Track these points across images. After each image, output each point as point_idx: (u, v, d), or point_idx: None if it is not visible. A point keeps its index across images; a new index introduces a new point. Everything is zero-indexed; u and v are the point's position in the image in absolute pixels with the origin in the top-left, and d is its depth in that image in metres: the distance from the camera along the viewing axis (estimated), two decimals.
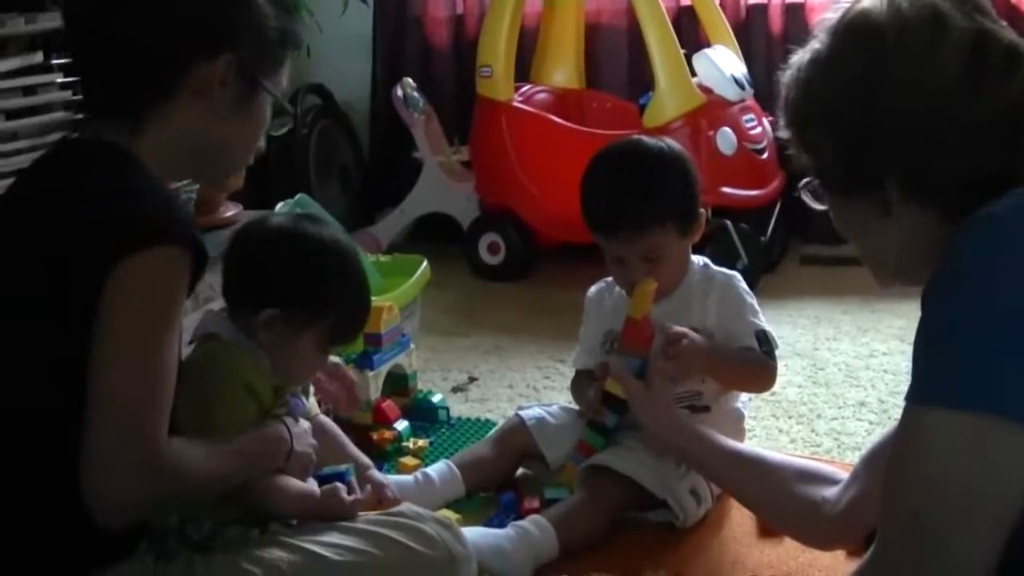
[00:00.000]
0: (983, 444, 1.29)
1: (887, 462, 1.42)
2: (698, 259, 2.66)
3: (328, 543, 1.92)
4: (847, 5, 1.53)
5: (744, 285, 2.63)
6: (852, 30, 1.51)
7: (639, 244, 2.50)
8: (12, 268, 1.76)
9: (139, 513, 1.74)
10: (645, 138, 2.68)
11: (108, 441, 1.62)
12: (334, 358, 2.44)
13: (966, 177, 1.43)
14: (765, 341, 2.52)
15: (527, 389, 3.46)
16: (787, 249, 4.75)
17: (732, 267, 3.99)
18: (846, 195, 1.57)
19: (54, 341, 1.71)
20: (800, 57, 1.59)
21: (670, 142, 2.67)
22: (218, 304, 2.19)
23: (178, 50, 1.84)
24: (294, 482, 2.03)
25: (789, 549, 2.36)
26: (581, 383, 2.70)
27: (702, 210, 2.61)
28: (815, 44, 1.57)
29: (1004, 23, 1.48)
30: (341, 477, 2.12)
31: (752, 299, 2.61)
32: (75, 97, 3.27)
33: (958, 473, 1.31)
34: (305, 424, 2.15)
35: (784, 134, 1.64)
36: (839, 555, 2.28)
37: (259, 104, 1.95)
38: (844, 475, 2.05)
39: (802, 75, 1.57)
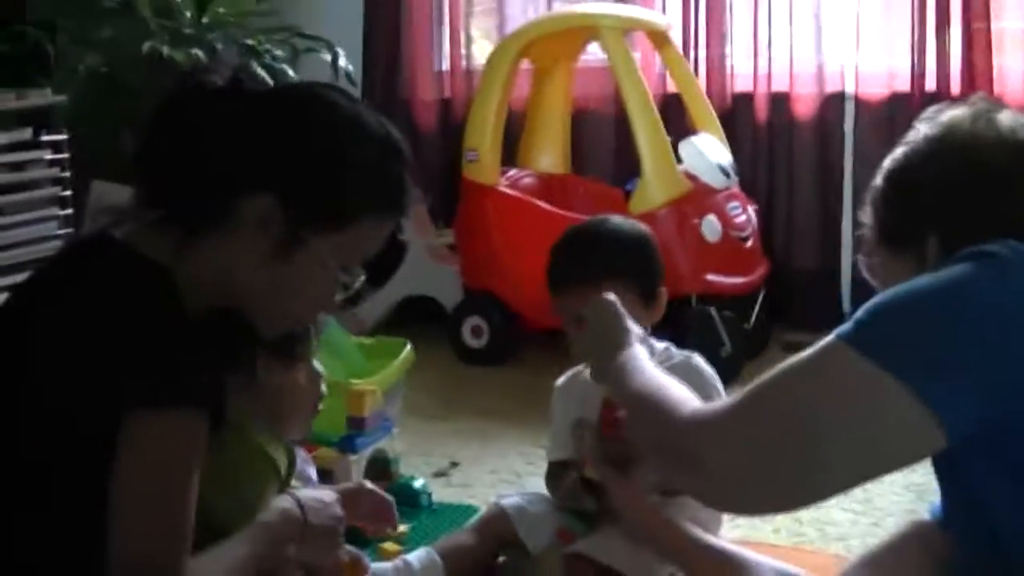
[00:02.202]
0: (885, 400, 1.45)
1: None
2: (662, 343, 2.65)
3: None
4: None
5: (704, 364, 2.62)
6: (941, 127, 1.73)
7: (592, 295, 2.48)
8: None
9: None
10: (610, 216, 2.77)
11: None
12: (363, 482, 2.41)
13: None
14: None
15: (510, 475, 3.44)
16: (770, 336, 4.74)
17: (716, 354, 4.07)
18: (894, 251, 1.73)
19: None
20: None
21: (633, 221, 2.78)
22: None
23: (220, 182, 1.74)
24: None
25: None
26: (555, 474, 2.68)
27: (663, 289, 2.63)
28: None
29: None
30: None
31: (712, 378, 2.59)
32: (63, 174, 3.27)
33: (844, 408, 1.48)
34: (327, 494, 2.13)
35: (871, 196, 1.79)
36: None
37: (303, 260, 1.76)
38: None
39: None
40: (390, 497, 2.46)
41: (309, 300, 1.85)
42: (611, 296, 2.20)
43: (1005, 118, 1.68)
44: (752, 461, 1.53)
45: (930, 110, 1.76)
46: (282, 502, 2.02)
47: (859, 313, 1.52)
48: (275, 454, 2.08)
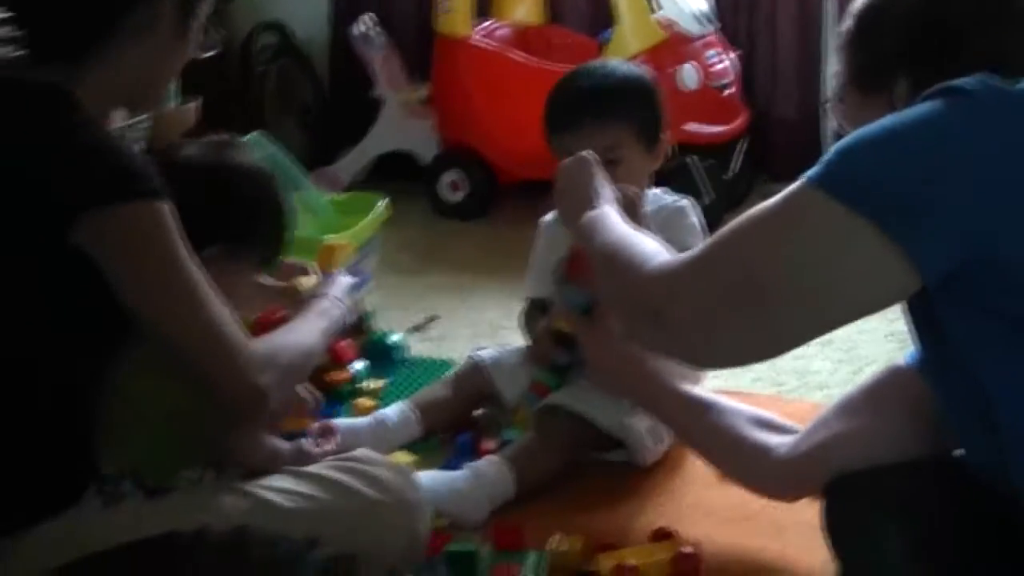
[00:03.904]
0: (855, 241, 1.44)
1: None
2: (654, 191, 2.62)
3: (279, 488, 1.88)
4: None
5: (692, 214, 2.61)
6: None
7: (601, 136, 2.47)
8: None
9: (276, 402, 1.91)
10: (612, 59, 2.69)
11: (220, 379, 1.80)
12: None
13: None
14: None
15: (487, 328, 3.42)
16: (752, 185, 4.70)
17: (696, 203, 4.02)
18: (865, 94, 1.71)
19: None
20: None
21: (637, 65, 2.75)
22: None
23: None
24: (268, 439, 2.00)
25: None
26: (532, 313, 2.66)
27: (665, 135, 2.61)
28: None
29: None
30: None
31: (696, 225, 2.58)
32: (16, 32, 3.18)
33: (810, 251, 1.47)
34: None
35: (840, 41, 1.77)
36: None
37: (194, 32, 1.93)
38: (799, 427, 2.00)
39: None
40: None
41: (184, 56, 1.96)
42: (589, 153, 2.17)
43: None
44: (712, 310, 1.53)
45: None
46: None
47: (828, 154, 1.50)
48: None
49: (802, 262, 1.48)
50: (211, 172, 2.10)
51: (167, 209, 1.74)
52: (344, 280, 2.38)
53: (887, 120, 1.51)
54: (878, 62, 1.69)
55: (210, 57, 3.02)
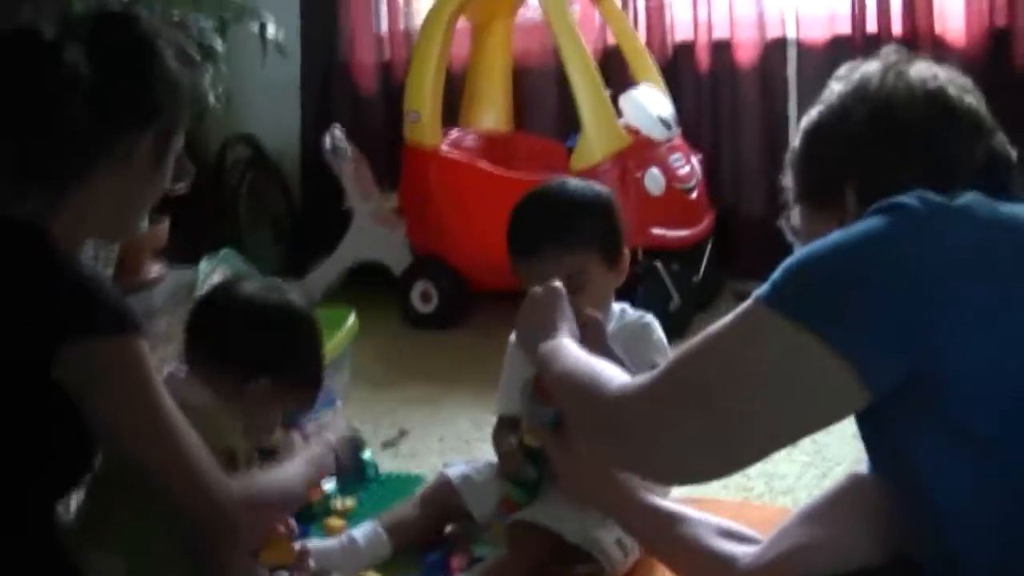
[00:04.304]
0: (802, 357, 1.47)
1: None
2: (617, 305, 2.65)
3: None
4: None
5: (657, 329, 2.64)
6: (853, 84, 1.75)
7: (566, 263, 2.50)
8: None
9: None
10: (571, 178, 2.78)
11: (193, 509, 1.84)
12: None
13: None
14: None
15: (458, 442, 3.42)
16: (721, 287, 4.73)
17: (664, 308, 4.06)
18: (817, 208, 1.76)
19: None
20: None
21: (595, 184, 2.77)
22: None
23: (107, 128, 1.86)
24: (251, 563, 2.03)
25: None
26: (502, 431, 2.67)
27: (627, 251, 2.63)
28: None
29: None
30: None
31: (662, 340, 2.62)
32: None
33: (764, 368, 1.50)
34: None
35: (790, 157, 1.82)
36: None
37: (167, 164, 1.99)
38: (764, 537, 2.01)
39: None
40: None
41: (160, 188, 2.02)
42: (558, 284, 2.21)
43: (916, 70, 1.71)
44: (671, 428, 1.56)
45: (843, 68, 1.78)
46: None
47: (775, 273, 1.54)
48: (232, 440, 2.11)
49: (754, 379, 1.52)
50: (278, 311, 2.24)
51: (144, 344, 1.79)
52: (342, 424, 2.58)
53: (831, 237, 1.55)
54: (826, 178, 1.73)
55: (191, 175, 3.05)
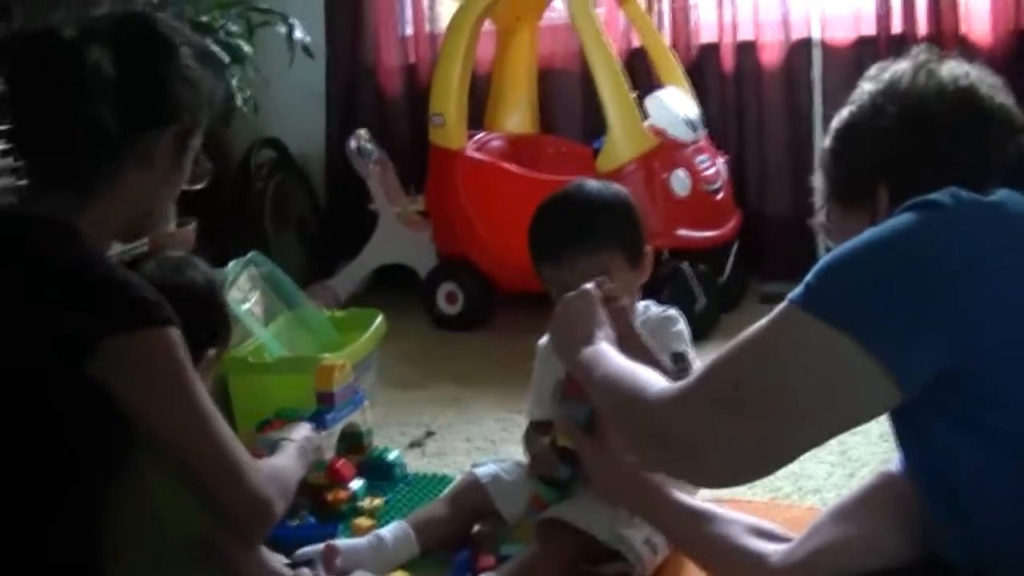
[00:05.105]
0: (838, 358, 1.49)
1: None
2: (642, 303, 2.66)
3: None
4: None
5: (680, 321, 2.64)
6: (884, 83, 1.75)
7: (585, 264, 2.49)
8: None
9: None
10: (588, 179, 2.75)
11: (230, 495, 1.88)
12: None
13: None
14: (681, 360, 2.51)
15: (485, 442, 3.42)
16: (747, 287, 4.73)
17: (690, 309, 4.05)
18: (846, 207, 1.78)
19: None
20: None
21: (612, 184, 2.75)
22: None
23: (131, 126, 1.89)
24: (271, 560, 2.02)
25: None
26: (532, 436, 2.67)
27: (649, 248, 2.63)
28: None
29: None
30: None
31: (684, 332, 2.62)
32: (19, 163, 3.24)
33: (801, 370, 1.52)
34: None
35: (819, 158, 1.84)
36: None
37: (187, 163, 2.04)
38: (795, 535, 2.02)
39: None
40: None
41: (179, 186, 2.07)
42: (590, 287, 2.23)
43: (946, 69, 1.72)
44: (716, 434, 1.58)
45: (873, 68, 1.79)
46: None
47: (809, 275, 1.55)
48: None
49: (790, 381, 1.54)
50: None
51: (178, 335, 1.82)
52: (305, 431, 2.59)
53: (864, 236, 1.56)
54: (857, 177, 1.74)
55: (209, 174, 3.04)
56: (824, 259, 1.57)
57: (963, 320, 1.48)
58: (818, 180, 1.84)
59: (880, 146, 1.71)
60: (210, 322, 2.34)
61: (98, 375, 1.75)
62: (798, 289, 1.56)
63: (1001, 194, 1.57)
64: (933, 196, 1.54)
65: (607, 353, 1.99)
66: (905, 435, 1.67)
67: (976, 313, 1.48)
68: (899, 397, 1.51)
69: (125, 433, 1.81)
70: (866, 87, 1.76)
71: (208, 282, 2.37)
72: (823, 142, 1.83)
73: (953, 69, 1.72)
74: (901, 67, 1.74)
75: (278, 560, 2.18)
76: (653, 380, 1.76)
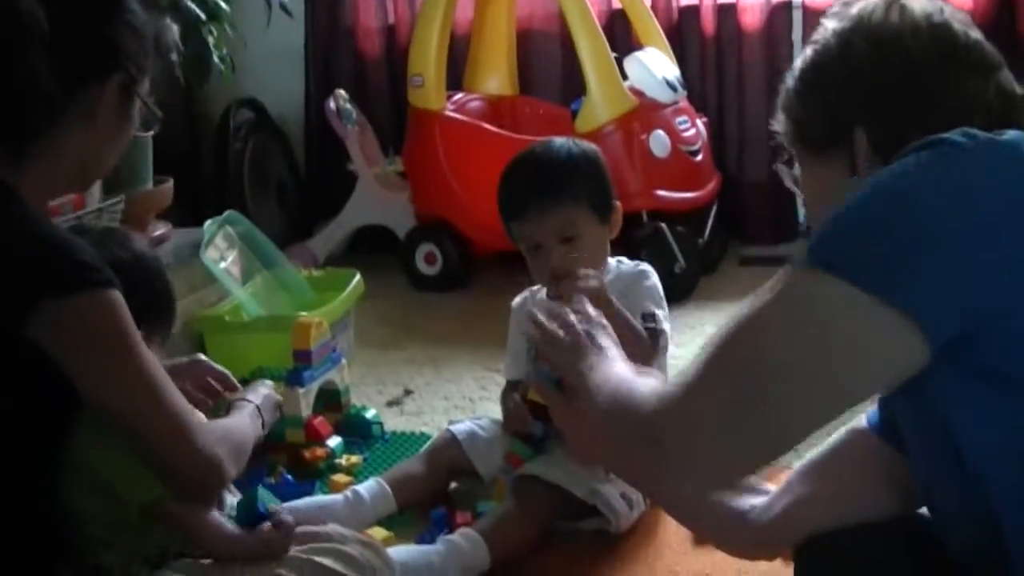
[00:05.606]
0: (854, 316, 1.34)
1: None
2: (613, 259, 2.67)
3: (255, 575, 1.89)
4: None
5: (652, 276, 2.66)
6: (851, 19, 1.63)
7: (553, 219, 2.52)
8: None
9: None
10: (556, 137, 2.75)
11: (179, 458, 1.81)
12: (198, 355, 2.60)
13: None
14: (651, 320, 2.51)
15: (463, 401, 3.43)
16: (726, 250, 4.74)
17: (669, 270, 4.06)
18: (818, 154, 1.64)
19: None
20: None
21: (580, 141, 2.75)
22: None
23: (70, 79, 1.79)
24: (227, 523, 1.99)
25: (725, 556, 2.32)
26: (508, 394, 2.68)
27: (618, 203, 2.65)
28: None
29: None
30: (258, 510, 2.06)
31: (657, 287, 2.63)
32: None
33: (818, 336, 1.36)
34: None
35: (783, 101, 1.69)
36: (776, 561, 2.25)
37: (134, 112, 1.93)
38: (771, 488, 2.00)
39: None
40: (224, 369, 2.53)
41: (127, 137, 1.98)
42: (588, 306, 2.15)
43: (917, 4, 1.61)
44: (717, 424, 1.44)
45: (836, 4, 1.66)
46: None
47: (821, 229, 1.41)
48: None
49: (812, 349, 1.37)
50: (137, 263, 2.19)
51: (119, 298, 1.75)
52: (264, 390, 2.49)
53: (876, 180, 1.41)
54: (829, 122, 1.62)
55: (186, 134, 2.97)
56: (835, 212, 1.41)
57: (990, 262, 1.34)
58: (780, 124, 1.70)
59: (854, 85, 1.59)
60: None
61: (37, 338, 1.70)
62: (812, 245, 1.39)
63: (1012, 134, 1.45)
64: (946, 135, 1.41)
65: (604, 363, 1.85)
66: (914, 398, 1.53)
67: (1003, 255, 1.35)
68: (926, 353, 1.35)
69: (69, 398, 1.78)
70: (830, 24, 1.63)
71: (135, 258, 2.22)
72: (785, 83, 1.68)
73: (926, 5, 1.61)
74: (868, 3, 1.62)
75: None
76: (649, 387, 1.60)
